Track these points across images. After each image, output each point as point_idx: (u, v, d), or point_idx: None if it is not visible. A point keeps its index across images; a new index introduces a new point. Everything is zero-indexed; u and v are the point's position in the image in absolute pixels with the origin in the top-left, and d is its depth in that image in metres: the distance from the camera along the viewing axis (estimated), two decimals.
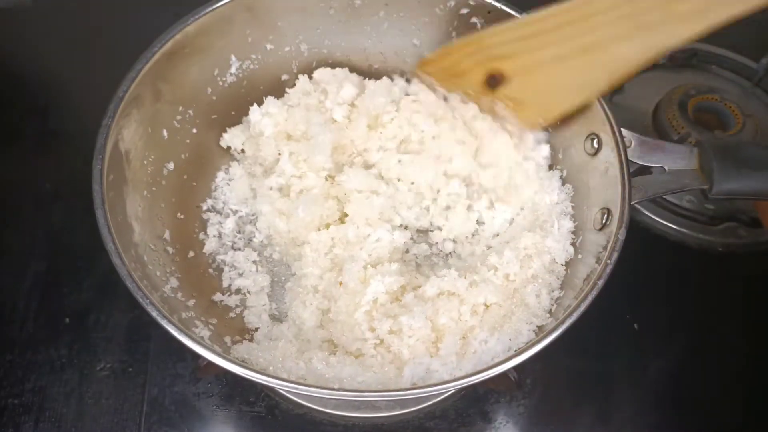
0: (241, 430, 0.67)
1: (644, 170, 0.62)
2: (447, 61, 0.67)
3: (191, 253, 0.68)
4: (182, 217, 0.69)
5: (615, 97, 0.87)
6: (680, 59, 0.89)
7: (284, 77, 0.75)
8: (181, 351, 0.68)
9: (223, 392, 0.68)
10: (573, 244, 0.64)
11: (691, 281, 0.76)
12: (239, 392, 0.68)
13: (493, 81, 0.63)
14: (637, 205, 0.79)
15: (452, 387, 0.50)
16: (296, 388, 0.49)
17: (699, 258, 0.77)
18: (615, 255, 0.55)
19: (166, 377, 0.68)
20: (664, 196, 0.80)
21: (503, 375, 0.50)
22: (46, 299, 0.72)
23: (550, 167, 0.70)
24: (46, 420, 0.66)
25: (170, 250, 0.64)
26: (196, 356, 0.50)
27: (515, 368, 0.50)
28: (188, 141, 0.70)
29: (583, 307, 0.52)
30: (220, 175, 0.74)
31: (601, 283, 0.53)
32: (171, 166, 0.67)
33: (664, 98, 0.83)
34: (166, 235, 0.65)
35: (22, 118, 0.86)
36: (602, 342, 0.72)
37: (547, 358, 0.69)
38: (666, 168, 0.60)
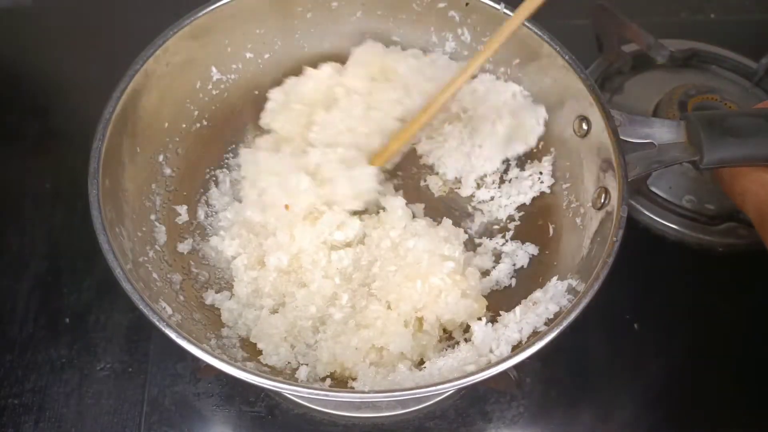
0: (241, 430, 0.66)
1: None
2: None
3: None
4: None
5: (615, 97, 0.87)
6: (680, 59, 0.89)
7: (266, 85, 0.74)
8: (181, 351, 0.67)
9: (223, 392, 0.68)
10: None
11: (691, 281, 0.76)
12: (239, 392, 0.68)
13: None
14: (636, 205, 0.79)
15: (492, 372, 0.49)
16: (298, 391, 0.49)
17: (699, 258, 0.77)
18: (620, 233, 0.55)
19: (166, 377, 0.68)
20: (665, 197, 0.79)
21: (503, 374, 0.50)
22: (46, 299, 0.72)
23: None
24: (46, 420, 0.66)
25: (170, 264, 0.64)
26: (196, 357, 0.50)
27: (515, 367, 0.50)
28: (171, 156, 0.68)
29: (596, 286, 0.52)
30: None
31: (611, 260, 0.53)
32: (156, 187, 0.66)
33: (664, 98, 0.83)
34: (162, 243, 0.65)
35: (22, 118, 0.86)
36: (602, 342, 0.72)
37: (547, 358, 0.70)
38: (656, 143, 0.60)
